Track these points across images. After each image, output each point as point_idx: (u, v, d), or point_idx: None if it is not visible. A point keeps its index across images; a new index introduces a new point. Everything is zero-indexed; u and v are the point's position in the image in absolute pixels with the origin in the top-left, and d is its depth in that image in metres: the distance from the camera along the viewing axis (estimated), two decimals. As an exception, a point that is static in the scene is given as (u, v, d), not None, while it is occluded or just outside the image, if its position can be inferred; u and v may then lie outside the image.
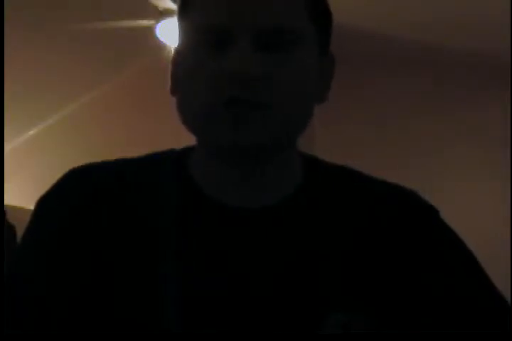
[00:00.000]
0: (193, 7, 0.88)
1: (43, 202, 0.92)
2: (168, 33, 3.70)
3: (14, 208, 3.48)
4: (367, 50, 4.37)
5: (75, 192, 0.91)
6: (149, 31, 3.76)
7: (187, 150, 0.96)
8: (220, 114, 0.84)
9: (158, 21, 3.68)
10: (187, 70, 0.87)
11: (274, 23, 0.84)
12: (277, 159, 0.91)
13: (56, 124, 5.08)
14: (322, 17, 0.91)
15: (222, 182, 0.91)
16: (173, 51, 0.94)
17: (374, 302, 0.88)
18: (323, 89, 0.93)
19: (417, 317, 0.89)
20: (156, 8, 3.63)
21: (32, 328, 0.85)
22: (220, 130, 0.84)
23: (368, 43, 4.30)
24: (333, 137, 4.32)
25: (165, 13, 3.63)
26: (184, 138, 1.06)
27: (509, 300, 0.92)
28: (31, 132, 5.13)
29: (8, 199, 3.00)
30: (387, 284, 0.89)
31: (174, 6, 3.52)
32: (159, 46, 3.85)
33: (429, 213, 0.95)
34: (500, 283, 1.05)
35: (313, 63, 0.89)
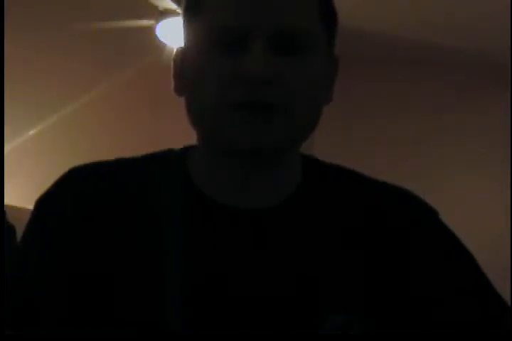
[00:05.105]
0: (207, 7, 0.87)
1: (42, 202, 0.92)
2: (168, 33, 3.70)
3: (14, 208, 3.48)
4: (367, 50, 4.37)
5: (74, 192, 0.91)
6: (149, 31, 3.76)
7: (186, 150, 0.96)
8: (236, 116, 0.84)
9: (158, 21, 3.68)
10: (198, 71, 0.86)
11: (290, 26, 0.84)
12: (282, 159, 0.91)
13: (56, 124, 5.08)
14: (331, 19, 0.91)
15: (225, 183, 0.90)
16: (174, 51, 0.94)
17: (374, 303, 0.88)
18: (329, 90, 0.93)
19: (416, 317, 0.89)
20: (156, 8, 3.63)
21: (32, 328, 0.85)
22: (237, 133, 0.84)
23: (368, 43, 4.30)
24: (333, 137, 4.32)
25: (165, 13, 3.63)
26: (184, 138, 1.06)
27: (508, 300, 0.92)
28: (31, 132, 5.13)
29: (8, 199, 2.99)
30: (387, 284, 0.89)
31: (174, 6, 3.52)
32: (159, 46, 3.85)
33: (429, 214, 0.95)
34: (501, 283, 1.05)
35: (324, 65, 0.89)
